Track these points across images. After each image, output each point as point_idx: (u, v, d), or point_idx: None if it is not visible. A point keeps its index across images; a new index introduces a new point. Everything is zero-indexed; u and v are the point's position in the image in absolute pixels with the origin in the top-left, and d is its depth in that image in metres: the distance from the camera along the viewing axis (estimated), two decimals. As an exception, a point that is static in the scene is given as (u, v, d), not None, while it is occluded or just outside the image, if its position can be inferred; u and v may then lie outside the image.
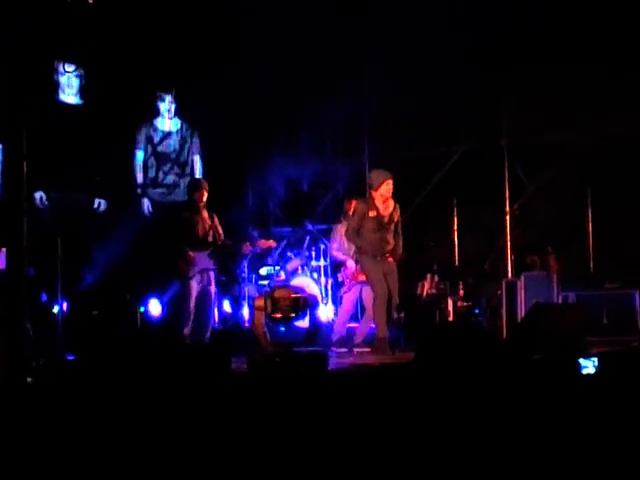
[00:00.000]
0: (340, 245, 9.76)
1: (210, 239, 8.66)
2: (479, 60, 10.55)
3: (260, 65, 10.84)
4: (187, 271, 8.46)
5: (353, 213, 8.95)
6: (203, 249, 8.58)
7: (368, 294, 9.20)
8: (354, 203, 9.71)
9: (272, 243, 9.21)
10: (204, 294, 8.60)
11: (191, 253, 8.46)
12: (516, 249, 10.47)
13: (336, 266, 9.86)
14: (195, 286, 8.49)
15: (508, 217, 10.57)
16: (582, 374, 5.47)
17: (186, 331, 8.47)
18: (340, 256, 9.70)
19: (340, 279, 9.73)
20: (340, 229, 9.82)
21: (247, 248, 8.93)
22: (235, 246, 8.95)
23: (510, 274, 10.17)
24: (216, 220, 8.77)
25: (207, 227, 8.67)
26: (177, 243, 8.50)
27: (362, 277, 9.27)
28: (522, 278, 9.44)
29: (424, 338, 5.23)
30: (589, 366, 5.51)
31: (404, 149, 11.34)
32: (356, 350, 8.92)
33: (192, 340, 8.48)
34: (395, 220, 8.86)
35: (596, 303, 9.16)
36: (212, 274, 8.69)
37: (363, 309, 9.53)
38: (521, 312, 9.15)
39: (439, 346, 4.63)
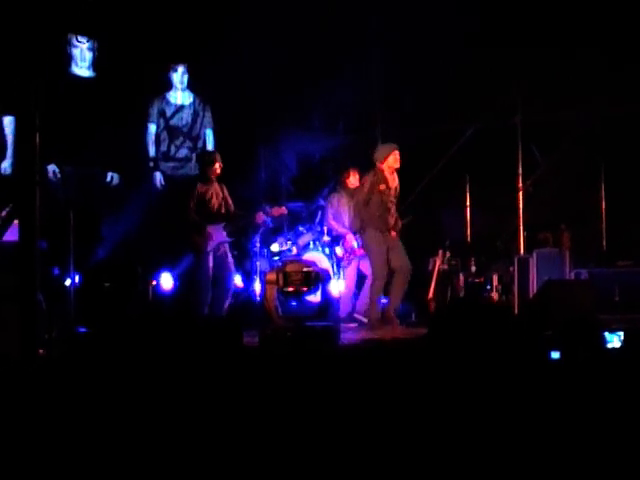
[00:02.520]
0: (335, 215, 9.81)
1: (224, 211, 8.68)
2: (493, 37, 10.48)
3: (273, 38, 10.79)
4: (204, 246, 8.48)
5: (361, 186, 8.97)
6: (219, 222, 8.60)
7: (366, 266, 9.28)
8: (352, 174, 9.75)
9: (284, 210, 9.24)
10: (221, 265, 8.63)
11: (208, 227, 8.49)
12: (528, 226, 10.43)
13: (334, 239, 9.89)
14: (211, 260, 8.53)
15: (521, 194, 10.52)
16: (607, 348, 5.48)
17: (204, 307, 8.50)
18: (339, 229, 9.75)
19: (340, 254, 9.76)
20: (335, 199, 9.87)
21: (260, 217, 8.95)
22: (248, 216, 8.97)
23: (522, 251, 10.13)
24: (225, 191, 8.78)
25: (220, 199, 8.69)
26: (193, 218, 8.51)
27: (361, 251, 9.34)
28: (534, 255, 9.42)
29: (436, 314, 5.24)
30: (614, 340, 5.54)
31: (417, 126, 11.30)
32: (345, 326, 8.95)
33: (211, 311, 8.52)
34: (397, 194, 8.93)
35: (608, 280, 9.13)
36: (227, 246, 8.72)
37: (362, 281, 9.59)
38: (533, 289, 9.14)
39: (451, 321, 4.63)
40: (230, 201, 8.77)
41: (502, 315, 4.75)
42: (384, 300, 9.14)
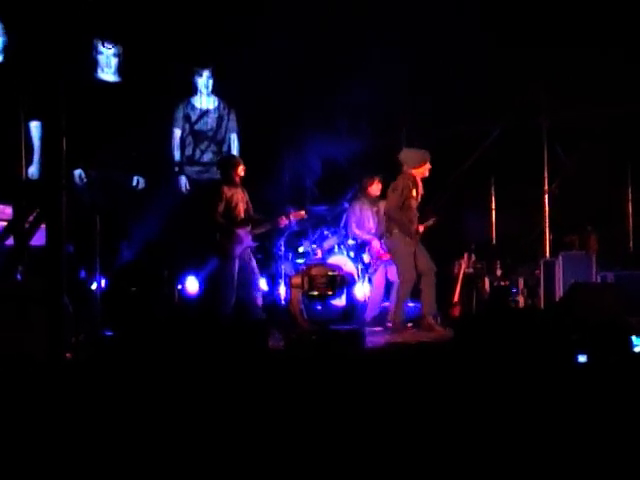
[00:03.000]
0: (359, 222, 9.79)
1: (248, 215, 8.70)
2: (518, 37, 10.44)
3: (297, 41, 10.81)
4: (232, 249, 8.47)
5: (395, 188, 8.86)
6: (245, 226, 8.61)
7: (393, 272, 9.25)
8: (374, 182, 9.73)
9: (302, 214, 9.21)
10: (246, 269, 8.63)
11: (237, 231, 8.49)
12: (554, 228, 10.38)
13: (361, 246, 9.87)
14: (238, 263, 8.53)
15: (547, 196, 10.47)
16: (634, 352, 5.44)
17: (229, 310, 8.50)
18: (364, 235, 9.73)
19: (367, 260, 9.74)
20: (357, 206, 9.85)
21: (283, 221, 8.94)
22: (271, 220, 8.96)
23: (548, 254, 10.08)
24: (246, 195, 8.79)
25: (245, 203, 8.69)
26: (221, 221, 8.51)
27: (386, 256, 9.30)
28: (560, 258, 9.37)
29: (463, 318, 5.22)
30: None
31: (441, 127, 11.28)
32: (371, 329, 8.94)
33: (247, 314, 8.53)
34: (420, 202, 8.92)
35: (635, 283, 9.06)
36: (249, 250, 8.73)
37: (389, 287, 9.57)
38: (559, 292, 9.09)
39: (478, 325, 4.62)
40: (250, 205, 8.78)
41: (528, 319, 4.72)
42: (411, 304, 9.12)
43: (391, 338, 8.34)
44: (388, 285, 9.60)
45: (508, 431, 3.83)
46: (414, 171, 8.78)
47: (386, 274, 9.49)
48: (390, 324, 8.93)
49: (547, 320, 7.23)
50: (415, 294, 8.92)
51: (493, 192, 10.72)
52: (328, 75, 11.03)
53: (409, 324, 8.88)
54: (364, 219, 9.81)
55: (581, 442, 3.73)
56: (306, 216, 9.35)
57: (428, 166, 8.81)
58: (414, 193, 8.73)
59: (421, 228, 8.87)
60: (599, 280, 9.20)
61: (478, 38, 10.28)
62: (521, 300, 9.69)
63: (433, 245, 9.10)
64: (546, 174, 10.57)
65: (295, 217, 9.10)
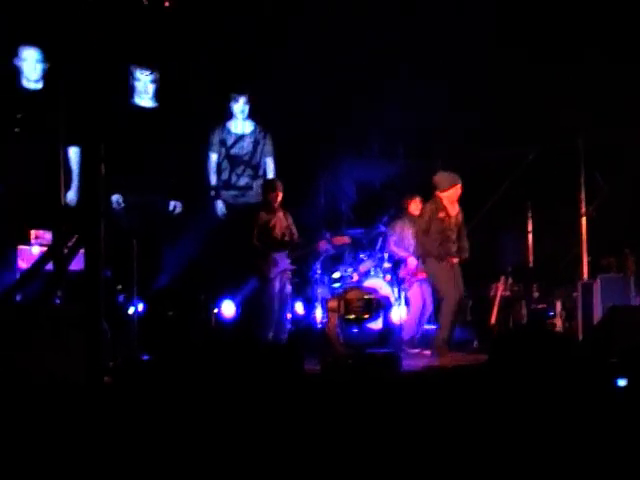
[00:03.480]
0: (398, 241, 9.81)
1: (287, 239, 8.73)
2: (555, 58, 10.42)
3: (331, 65, 10.86)
4: (269, 272, 8.52)
5: (422, 214, 8.97)
6: (282, 249, 8.65)
7: (427, 292, 9.26)
8: (414, 201, 9.77)
9: (346, 239, 9.26)
10: (280, 294, 8.67)
11: (273, 254, 8.54)
12: (592, 251, 10.30)
13: (396, 263, 9.89)
14: (277, 287, 8.57)
15: (584, 218, 10.39)
16: None
17: (270, 334, 8.53)
18: (401, 252, 9.75)
19: (401, 275, 9.75)
20: (398, 225, 9.88)
21: (323, 245, 8.99)
22: (310, 244, 9.01)
23: (586, 276, 9.99)
24: (290, 219, 8.85)
25: (284, 227, 8.74)
26: (258, 245, 8.57)
27: (422, 274, 9.32)
28: (598, 280, 9.29)
29: (496, 341, 5.19)
30: None
31: (477, 150, 11.26)
32: (408, 351, 8.91)
33: (271, 340, 8.56)
34: (460, 222, 8.90)
35: (674, 306, 8.96)
36: (289, 274, 8.76)
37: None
38: (597, 315, 9.01)
39: (511, 349, 4.59)
40: (294, 230, 8.84)
41: (564, 344, 4.68)
42: (432, 326, 9.14)
43: (429, 362, 8.31)
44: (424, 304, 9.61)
45: (546, 456, 3.80)
46: (443, 194, 8.86)
47: (423, 294, 9.49)
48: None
49: (585, 343, 7.17)
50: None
51: (530, 215, 10.66)
52: (363, 98, 11.06)
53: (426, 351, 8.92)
54: (404, 239, 9.85)
55: (622, 467, 3.69)
56: (349, 241, 9.38)
57: (457, 189, 8.85)
58: (441, 215, 8.77)
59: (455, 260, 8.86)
60: (637, 303, 9.11)
61: (515, 60, 10.27)
62: (558, 323, 9.61)
63: (470, 268, 9.08)
64: (583, 196, 10.50)
65: (338, 242, 9.16)
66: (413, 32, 10.88)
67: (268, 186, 9.04)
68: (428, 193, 9.22)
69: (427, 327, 9.69)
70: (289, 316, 9.25)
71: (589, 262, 10.18)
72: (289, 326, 8.85)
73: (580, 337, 8.90)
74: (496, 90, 10.67)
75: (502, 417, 4.23)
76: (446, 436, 4.21)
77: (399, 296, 9.84)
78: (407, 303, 9.75)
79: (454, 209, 8.90)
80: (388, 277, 9.87)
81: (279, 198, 8.73)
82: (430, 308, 9.72)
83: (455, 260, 8.85)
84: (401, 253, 9.78)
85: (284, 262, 8.68)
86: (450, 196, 8.86)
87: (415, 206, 9.81)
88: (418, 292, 9.54)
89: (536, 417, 4.10)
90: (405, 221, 9.90)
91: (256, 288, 9.10)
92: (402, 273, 9.76)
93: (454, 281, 8.74)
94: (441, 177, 9.08)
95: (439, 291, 8.83)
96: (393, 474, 3.88)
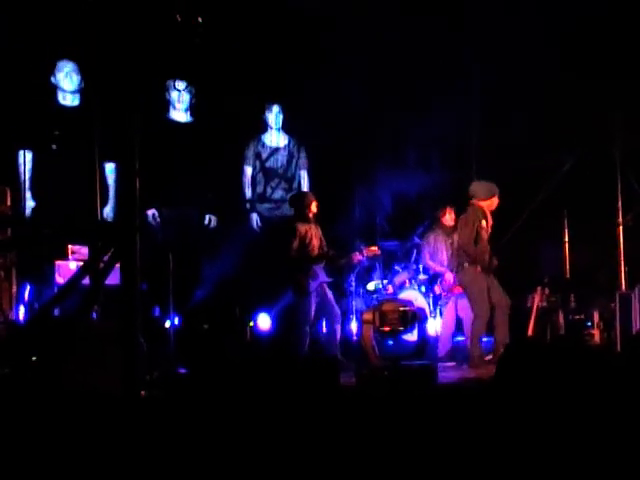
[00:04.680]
0: (432, 254, 9.76)
1: (322, 251, 8.74)
2: (590, 66, 10.36)
3: (366, 75, 10.87)
4: (308, 286, 8.53)
5: (466, 223, 8.86)
6: (320, 262, 8.66)
7: (464, 306, 9.21)
8: (447, 212, 9.70)
9: (376, 250, 9.24)
10: (324, 303, 8.66)
11: (313, 267, 8.55)
12: (630, 260, 10.20)
13: (432, 277, 9.84)
14: (314, 300, 8.57)
15: (621, 228, 10.29)
16: None
17: (304, 347, 8.52)
18: (437, 267, 9.70)
19: (438, 291, 9.70)
20: (432, 237, 9.82)
21: (357, 257, 9.00)
22: (345, 256, 9.03)
23: (624, 286, 9.90)
24: (320, 231, 8.85)
25: (319, 239, 8.75)
26: (296, 257, 8.57)
27: (458, 289, 9.26)
28: (636, 290, 9.20)
29: (505, 354, 5.14)
30: None
31: (513, 159, 11.20)
32: (443, 365, 8.86)
33: (327, 350, 8.56)
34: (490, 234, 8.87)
35: None
36: (325, 286, 8.76)
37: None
38: (636, 325, 8.91)
39: (519, 362, 4.54)
40: (324, 241, 8.84)
41: (604, 355, 4.65)
42: (485, 339, 9.05)
43: (465, 374, 8.27)
44: (459, 320, 9.55)
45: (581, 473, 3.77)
46: (483, 203, 8.80)
47: (456, 308, 9.44)
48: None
49: (624, 355, 7.10)
50: (489, 328, 8.87)
51: (566, 224, 10.59)
52: (398, 109, 11.06)
53: (487, 357, 8.81)
54: (438, 251, 9.80)
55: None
56: (379, 252, 9.36)
57: (496, 199, 8.81)
58: (484, 224, 8.73)
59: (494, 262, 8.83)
60: (677, 313, 9.01)
61: (550, 69, 10.22)
62: (596, 334, 9.52)
63: (507, 278, 9.03)
64: (620, 205, 10.41)
65: (368, 253, 9.14)
66: (450, 43, 10.87)
67: (302, 198, 9.04)
68: (462, 204, 9.17)
69: (458, 339, 9.65)
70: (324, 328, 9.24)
71: (627, 272, 10.08)
72: (339, 336, 8.81)
73: (618, 348, 8.81)
74: (532, 99, 10.62)
75: (539, 429, 4.20)
76: (483, 449, 4.19)
77: (434, 308, 9.80)
78: (442, 317, 9.70)
79: (490, 219, 8.87)
80: (423, 289, 9.84)
81: (315, 209, 8.73)
82: (467, 322, 9.67)
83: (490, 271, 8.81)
84: (437, 268, 9.73)
85: (322, 275, 8.69)
86: (489, 205, 8.82)
87: (449, 217, 9.75)
88: (453, 308, 9.49)
89: (572, 431, 4.06)
90: (438, 232, 9.85)
91: (292, 301, 9.10)
92: (438, 289, 9.70)
93: (497, 291, 8.69)
94: (479, 186, 9.01)
95: (473, 302, 8.77)
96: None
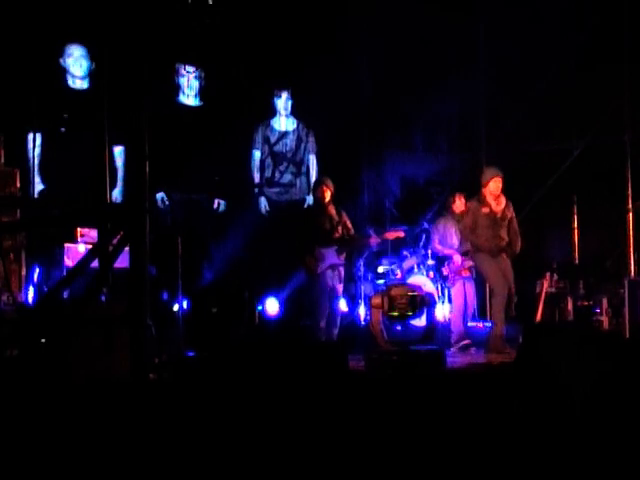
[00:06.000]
0: (442, 239, 9.75)
1: (337, 235, 8.74)
2: (600, 53, 10.32)
3: (375, 62, 10.84)
4: (316, 268, 8.56)
5: (467, 211, 8.94)
6: (330, 245, 8.66)
7: (470, 289, 9.24)
8: (458, 198, 9.69)
9: (401, 233, 9.28)
10: (331, 291, 8.69)
11: (319, 249, 8.57)
12: (639, 246, 10.18)
13: (440, 260, 9.84)
14: (327, 282, 8.59)
15: (630, 214, 10.27)
16: None
17: (322, 324, 8.57)
18: (445, 250, 9.69)
19: (445, 273, 9.69)
20: (441, 223, 9.81)
21: (374, 240, 9.02)
22: (360, 240, 9.05)
23: (633, 273, 9.89)
24: (344, 216, 8.86)
25: (334, 223, 8.75)
26: (304, 240, 8.60)
27: (466, 273, 9.28)
28: (645, 276, 9.20)
29: (524, 339, 5.13)
30: None
31: (522, 145, 11.18)
32: (458, 345, 8.89)
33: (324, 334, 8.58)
34: (508, 217, 8.82)
35: None
36: (341, 270, 8.77)
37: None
38: (645, 311, 8.91)
39: (538, 346, 4.53)
40: (349, 225, 8.86)
41: (612, 341, 4.64)
42: (476, 324, 9.10)
43: (474, 359, 8.28)
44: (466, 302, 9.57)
45: (591, 451, 3.77)
46: (483, 189, 8.79)
47: (464, 292, 9.44)
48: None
49: (633, 341, 7.09)
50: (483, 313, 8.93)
51: (575, 210, 10.57)
52: (406, 92, 11.03)
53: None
54: (447, 236, 9.78)
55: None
56: (403, 235, 9.39)
57: (497, 182, 8.75)
58: (485, 211, 8.72)
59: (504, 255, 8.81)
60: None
61: (560, 55, 10.18)
62: (605, 320, 9.52)
63: (515, 264, 9.01)
64: (630, 191, 10.38)
65: (391, 237, 9.20)
66: (459, 30, 10.84)
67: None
68: (471, 189, 9.17)
69: (471, 324, 9.65)
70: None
71: (636, 258, 10.07)
72: (337, 326, 8.82)
73: (627, 334, 8.80)
74: (542, 84, 10.58)
75: (547, 412, 4.20)
76: (491, 432, 4.19)
77: (443, 293, 9.80)
78: (450, 300, 9.71)
79: (499, 203, 8.80)
80: (432, 274, 9.83)
81: (327, 194, 8.72)
82: (473, 306, 9.68)
83: (504, 256, 8.78)
84: (445, 251, 9.72)
85: (332, 257, 8.69)
86: (492, 190, 8.78)
87: (459, 203, 9.72)
88: (461, 290, 9.48)
89: (578, 416, 4.06)
90: (448, 218, 9.82)
91: (304, 284, 9.13)
92: (446, 271, 9.70)
93: (503, 276, 8.69)
94: (484, 171, 9.04)
95: (488, 281, 8.87)
96: (437, 470, 3.87)
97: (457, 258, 9.48)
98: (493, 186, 8.74)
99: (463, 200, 9.65)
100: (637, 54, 10.14)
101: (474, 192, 8.99)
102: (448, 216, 9.84)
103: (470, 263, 9.26)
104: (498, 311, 8.66)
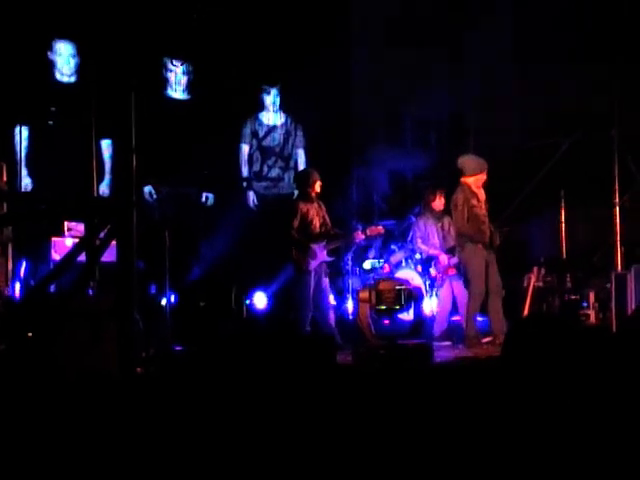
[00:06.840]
0: (424, 238, 9.70)
1: (324, 230, 8.72)
2: (588, 49, 10.34)
3: (363, 58, 10.84)
4: (307, 265, 8.52)
5: (455, 205, 8.87)
6: (321, 241, 8.65)
7: (459, 287, 9.23)
8: (437, 196, 9.63)
9: (380, 229, 9.22)
10: (318, 285, 8.67)
11: (312, 246, 8.53)
12: (626, 241, 10.20)
13: (427, 260, 9.82)
14: (313, 279, 8.57)
15: (617, 208, 10.29)
16: None
17: (306, 325, 8.54)
18: (430, 250, 9.65)
19: (433, 274, 9.67)
20: (422, 222, 9.75)
21: (359, 236, 8.98)
22: (346, 235, 9.02)
23: (620, 267, 9.90)
24: (324, 209, 8.82)
25: (321, 218, 8.73)
26: (297, 236, 8.55)
27: (452, 271, 9.27)
28: (632, 271, 9.19)
29: (510, 331, 5.14)
30: None
31: (511, 140, 11.19)
32: (439, 344, 8.90)
33: (321, 330, 8.58)
34: (487, 206, 8.84)
35: None
36: (325, 266, 8.76)
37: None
38: (631, 306, 8.92)
39: (523, 339, 4.54)
40: (328, 220, 8.81)
41: (599, 335, 4.65)
42: (480, 318, 9.07)
43: (461, 353, 8.29)
44: (455, 300, 9.56)
45: (577, 451, 3.78)
46: (469, 180, 8.77)
47: (452, 289, 9.45)
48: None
49: (619, 335, 7.11)
50: (484, 309, 8.89)
51: (563, 205, 10.58)
52: (396, 89, 11.04)
53: (485, 339, 8.82)
54: (429, 234, 9.73)
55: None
56: (383, 231, 9.35)
57: (484, 176, 8.76)
58: (475, 202, 8.71)
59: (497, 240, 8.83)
60: (672, 293, 9.02)
61: (548, 51, 10.19)
62: (592, 314, 9.55)
63: (503, 259, 9.03)
64: (617, 186, 10.40)
65: (372, 233, 9.13)
66: (449, 24, 10.85)
67: (304, 176, 8.96)
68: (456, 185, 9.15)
69: (454, 318, 9.65)
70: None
71: (623, 252, 10.09)
72: (333, 318, 8.81)
73: (614, 329, 8.82)
74: (531, 80, 10.60)
75: (535, 408, 4.21)
76: (478, 428, 4.20)
77: (430, 289, 9.80)
78: (438, 296, 9.70)
79: (482, 194, 8.83)
80: (419, 268, 9.83)
81: (317, 188, 8.69)
82: (463, 303, 9.68)
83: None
84: (430, 251, 9.68)
85: (322, 254, 8.67)
86: (477, 182, 8.78)
87: (439, 202, 9.65)
88: (449, 289, 9.48)
89: (567, 410, 4.07)
90: (428, 217, 9.74)
91: (292, 280, 9.10)
92: (434, 272, 9.67)
93: (488, 272, 8.70)
94: (468, 161, 8.94)
95: (470, 279, 8.79)
96: (425, 465, 3.87)
97: (443, 258, 9.47)
98: (480, 179, 8.75)
99: (443, 199, 9.59)
100: (626, 50, 10.15)
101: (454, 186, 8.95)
102: (428, 214, 9.75)
103: (456, 261, 9.26)
104: (473, 311, 8.69)
